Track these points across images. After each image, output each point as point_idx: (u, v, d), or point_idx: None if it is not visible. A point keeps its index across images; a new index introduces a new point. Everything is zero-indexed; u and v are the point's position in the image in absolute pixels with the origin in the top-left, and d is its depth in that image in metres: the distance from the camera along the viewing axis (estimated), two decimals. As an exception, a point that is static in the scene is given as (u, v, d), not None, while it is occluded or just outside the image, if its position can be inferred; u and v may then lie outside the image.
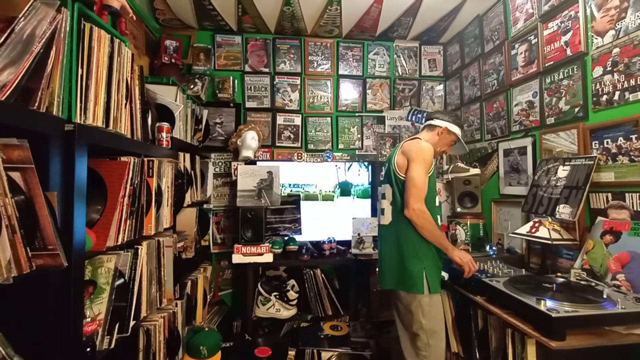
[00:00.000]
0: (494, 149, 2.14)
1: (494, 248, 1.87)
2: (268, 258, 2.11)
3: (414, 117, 2.79)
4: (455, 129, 1.63)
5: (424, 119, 2.79)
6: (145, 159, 1.25)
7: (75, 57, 0.89)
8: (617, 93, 1.38)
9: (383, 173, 1.68)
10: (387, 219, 1.57)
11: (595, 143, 1.47)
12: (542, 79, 1.78)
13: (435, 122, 1.64)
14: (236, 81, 2.58)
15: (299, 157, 2.54)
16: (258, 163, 2.41)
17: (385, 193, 1.59)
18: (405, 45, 2.81)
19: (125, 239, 1.09)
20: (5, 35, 0.67)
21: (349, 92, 2.75)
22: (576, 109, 1.57)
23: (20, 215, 0.66)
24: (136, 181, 1.15)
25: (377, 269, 1.79)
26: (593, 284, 1.28)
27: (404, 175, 1.50)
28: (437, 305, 1.48)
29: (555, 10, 1.68)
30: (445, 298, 1.65)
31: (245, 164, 2.40)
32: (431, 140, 1.60)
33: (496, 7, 2.16)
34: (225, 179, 2.55)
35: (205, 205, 2.32)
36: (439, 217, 1.58)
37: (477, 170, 2.19)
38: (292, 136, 2.65)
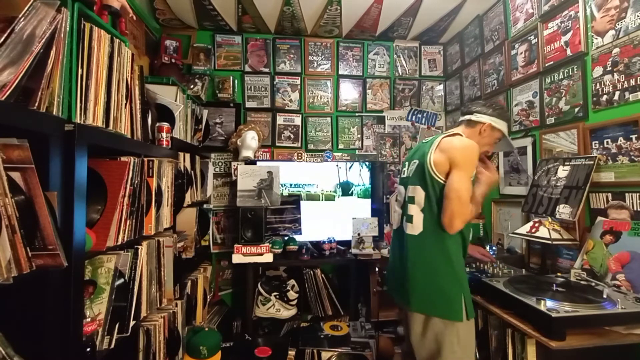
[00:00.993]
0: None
1: (494, 248, 1.87)
2: (268, 258, 2.10)
3: (414, 117, 2.79)
4: (501, 125, 1.35)
5: (424, 119, 2.81)
6: (145, 159, 1.25)
7: (75, 57, 0.89)
8: (617, 93, 1.38)
9: (407, 170, 1.41)
10: (416, 228, 1.30)
11: (595, 143, 1.47)
12: (542, 79, 1.78)
13: (476, 117, 1.36)
14: (236, 81, 2.58)
15: (299, 157, 2.54)
16: (258, 163, 2.41)
17: (415, 197, 1.31)
18: (405, 45, 2.81)
19: (125, 239, 1.09)
20: (5, 35, 0.67)
21: (349, 92, 2.75)
22: (576, 109, 1.57)
23: (20, 215, 0.66)
24: (136, 181, 1.15)
25: (392, 280, 1.47)
26: (593, 284, 1.28)
27: (443, 180, 1.24)
28: (472, 332, 1.27)
29: (555, 10, 1.68)
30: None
31: (245, 164, 2.40)
32: (473, 139, 1.32)
33: (496, 7, 2.16)
34: (225, 179, 2.55)
35: (205, 205, 2.32)
36: (471, 230, 1.39)
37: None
38: (292, 136, 2.65)
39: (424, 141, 1.45)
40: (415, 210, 1.31)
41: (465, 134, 1.35)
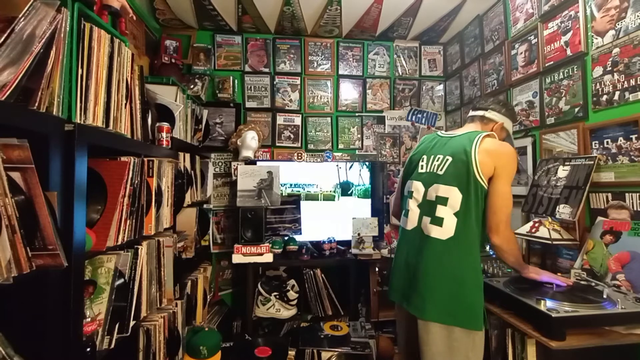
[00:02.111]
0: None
1: (494, 248, 1.87)
2: (268, 258, 2.10)
3: (414, 117, 2.79)
4: (509, 126, 1.35)
5: (424, 119, 2.81)
6: (145, 159, 1.25)
7: (75, 57, 0.89)
8: (617, 93, 1.38)
9: (428, 165, 1.31)
10: (445, 232, 1.19)
11: (595, 143, 1.47)
12: (542, 79, 1.78)
13: (490, 114, 1.33)
14: (236, 81, 2.58)
15: (299, 157, 2.54)
16: (258, 163, 2.41)
17: (450, 199, 1.19)
18: (405, 45, 2.81)
19: (125, 239, 1.09)
20: (5, 35, 0.67)
21: (349, 92, 2.75)
22: (576, 109, 1.57)
23: (20, 215, 0.66)
24: (136, 181, 1.15)
25: (399, 285, 1.34)
26: (593, 284, 1.28)
27: (486, 184, 1.17)
28: (483, 340, 1.22)
29: (555, 10, 1.68)
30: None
31: (245, 164, 2.40)
32: None
33: (496, 7, 2.16)
34: (225, 179, 2.55)
35: (205, 205, 2.32)
36: None
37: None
38: (292, 136, 2.65)
39: (442, 134, 1.37)
40: (447, 213, 1.19)
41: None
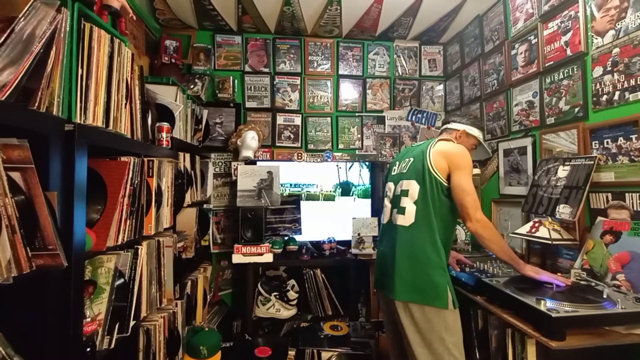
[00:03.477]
0: (494, 149, 2.14)
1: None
2: (268, 258, 2.10)
3: (414, 117, 2.79)
4: (475, 132, 1.52)
5: (424, 119, 2.81)
6: (145, 159, 1.25)
7: (75, 57, 0.89)
8: (617, 93, 1.38)
9: (398, 168, 1.52)
10: (407, 219, 1.36)
11: (595, 143, 1.47)
12: (542, 79, 1.78)
13: (452, 125, 1.54)
14: (236, 81, 2.58)
15: (299, 157, 2.54)
16: (258, 163, 2.41)
17: (410, 190, 1.39)
18: (405, 45, 2.81)
19: (125, 239, 1.09)
20: (5, 35, 0.67)
21: (349, 92, 2.75)
22: (576, 109, 1.57)
23: (20, 215, 0.66)
24: (136, 181, 1.15)
25: (379, 274, 1.51)
26: (593, 284, 1.28)
27: (443, 179, 1.34)
28: (458, 321, 1.33)
29: (555, 10, 1.68)
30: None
31: (245, 164, 2.40)
32: None
33: (496, 7, 2.16)
34: (225, 179, 2.55)
35: (205, 205, 2.32)
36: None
37: (477, 170, 2.19)
38: (292, 136, 2.65)
39: (414, 144, 1.62)
40: (408, 203, 1.38)
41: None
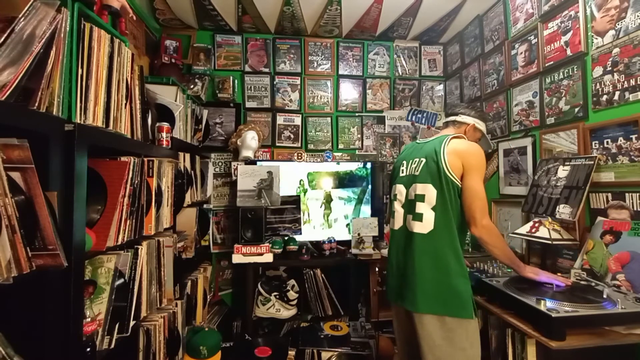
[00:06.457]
0: (494, 149, 2.14)
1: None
2: (268, 258, 2.10)
3: (414, 117, 2.79)
4: (482, 126, 1.45)
5: (424, 119, 2.81)
6: (145, 159, 1.25)
7: (75, 57, 0.89)
8: (617, 93, 1.38)
9: (407, 169, 1.42)
10: (426, 226, 1.27)
11: (595, 143, 1.47)
12: (542, 79, 1.78)
13: (461, 118, 1.44)
14: (236, 81, 2.58)
15: (299, 157, 2.54)
16: (258, 163, 2.41)
17: (426, 195, 1.29)
18: (405, 45, 2.81)
19: (125, 239, 1.09)
20: (5, 35, 0.67)
21: (349, 92, 2.75)
22: (576, 109, 1.57)
23: (20, 215, 0.66)
24: (136, 181, 1.15)
25: (396, 285, 1.38)
26: (593, 284, 1.28)
27: (459, 181, 1.26)
28: (478, 330, 1.27)
29: (555, 10, 1.68)
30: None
31: (245, 164, 2.40)
32: None
33: (496, 7, 2.16)
34: (225, 179, 2.55)
35: (205, 205, 2.32)
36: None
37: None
38: (292, 136, 2.65)
39: (419, 141, 1.48)
40: (425, 209, 1.29)
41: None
